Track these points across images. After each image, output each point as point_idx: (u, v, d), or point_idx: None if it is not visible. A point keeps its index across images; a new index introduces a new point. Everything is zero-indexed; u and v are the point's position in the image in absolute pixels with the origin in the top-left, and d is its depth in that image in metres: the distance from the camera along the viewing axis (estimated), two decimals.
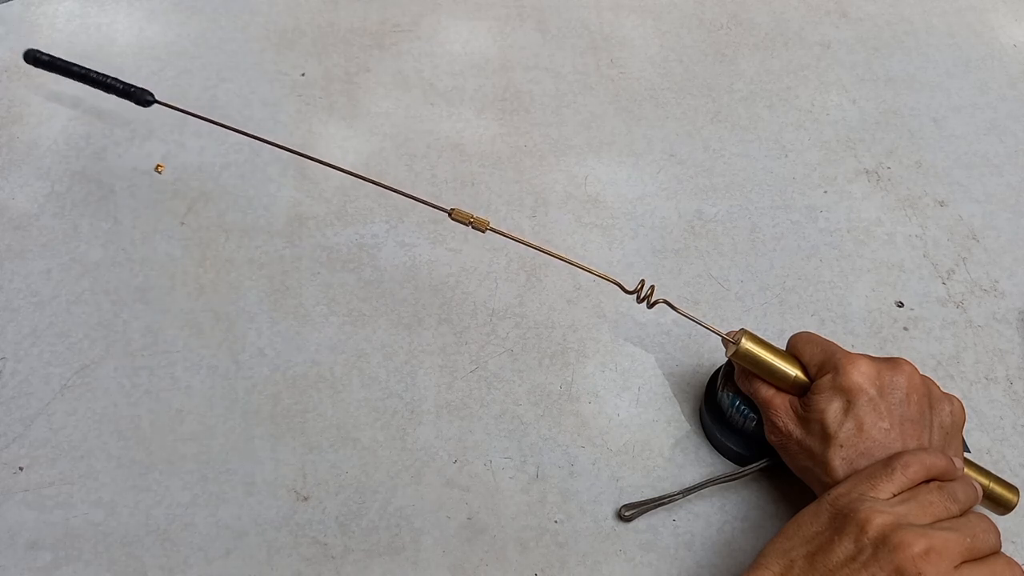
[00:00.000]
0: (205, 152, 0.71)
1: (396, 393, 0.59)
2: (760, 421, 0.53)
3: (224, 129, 0.58)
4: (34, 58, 0.61)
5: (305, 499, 0.55)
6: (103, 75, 0.59)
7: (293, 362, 0.60)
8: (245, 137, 0.58)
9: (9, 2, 0.81)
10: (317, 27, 0.81)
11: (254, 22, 0.81)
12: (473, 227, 0.54)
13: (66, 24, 0.79)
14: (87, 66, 0.59)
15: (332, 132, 0.73)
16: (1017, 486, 0.54)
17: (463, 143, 0.73)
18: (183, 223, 0.67)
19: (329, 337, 0.62)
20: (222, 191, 0.69)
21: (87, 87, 0.60)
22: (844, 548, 0.42)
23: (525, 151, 0.73)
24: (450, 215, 0.54)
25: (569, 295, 0.65)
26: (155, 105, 0.61)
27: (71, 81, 0.61)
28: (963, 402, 0.51)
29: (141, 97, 0.59)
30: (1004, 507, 0.53)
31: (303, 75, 0.77)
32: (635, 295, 0.54)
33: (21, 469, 0.55)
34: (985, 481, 0.52)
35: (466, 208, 0.54)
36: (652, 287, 0.54)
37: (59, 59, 0.60)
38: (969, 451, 0.53)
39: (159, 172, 0.68)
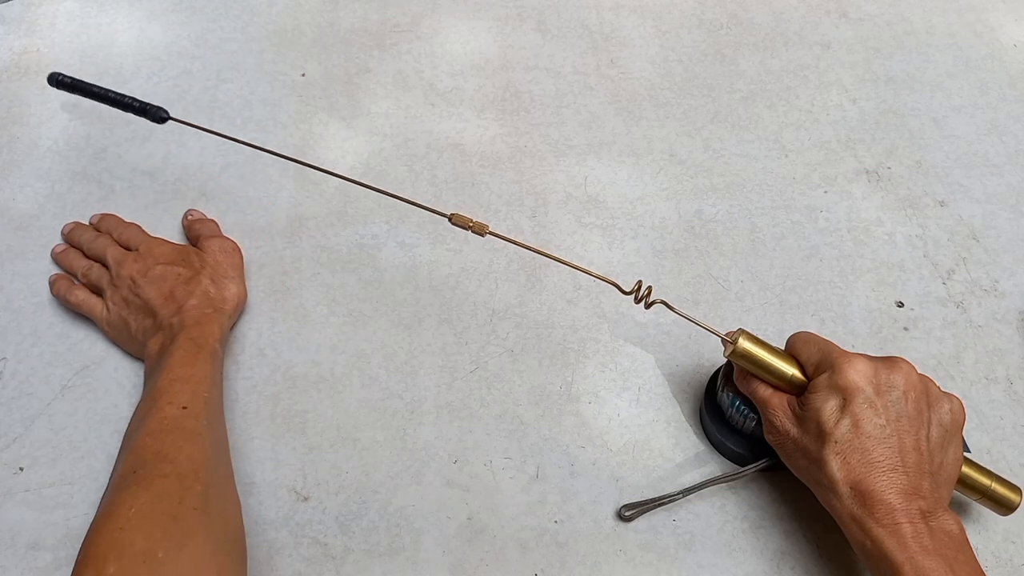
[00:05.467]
0: (205, 152, 0.71)
1: (396, 393, 0.59)
2: (760, 421, 0.53)
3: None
4: (57, 81, 0.63)
5: (305, 499, 0.55)
6: (121, 95, 0.61)
7: (293, 362, 0.60)
8: (245, 137, 0.58)
9: (9, 2, 0.81)
10: (317, 27, 0.81)
11: (254, 22, 0.81)
12: (473, 231, 0.53)
13: (66, 24, 0.80)
14: (104, 86, 0.62)
15: (332, 132, 0.73)
16: (1018, 486, 0.53)
17: (463, 143, 0.73)
18: (184, 224, 0.67)
19: (329, 337, 0.62)
20: (222, 191, 0.69)
21: (84, 71, 0.61)
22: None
23: (525, 151, 0.73)
24: (450, 220, 0.54)
25: (569, 295, 0.65)
26: (153, 104, 0.61)
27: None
28: (963, 402, 0.51)
29: (156, 114, 0.61)
30: (1007, 507, 0.53)
31: (303, 75, 0.77)
32: (633, 296, 0.54)
33: (22, 469, 0.55)
34: (987, 481, 0.52)
35: (466, 208, 0.54)
36: (649, 288, 0.54)
37: (80, 81, 0.62)
38: (969, 451, 0.53)
39: None
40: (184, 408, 0.50)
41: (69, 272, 0.64)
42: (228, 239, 0.65)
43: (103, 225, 0.65)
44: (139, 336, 0.58)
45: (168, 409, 0.50)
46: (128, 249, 0.63)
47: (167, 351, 0.54)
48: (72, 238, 0.65)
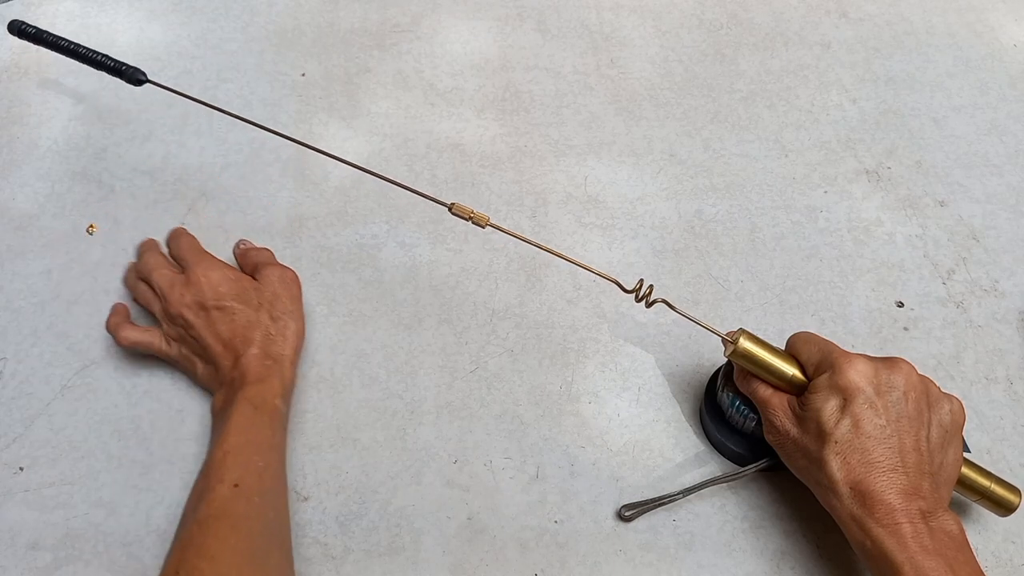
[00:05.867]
0: (205, 152, 0.71)
1: (396, 393, 0.59)
2: (760, 421, 0.53)
3: (221, 114, 0.57)
4: (19, 30, 0.58)
5: (305, 499, 0.55)
6: (93, 51, 0.57)
7: None
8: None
9: (9, 2, 0.81)
10: (317, 27, 0.81)
11: (254, 22, 0.81)
12: (473, 222, 0.53)
13: (66, 24, 0.80)
14: (76, 41, 0.57)
15: (332, 132, 0.73)
16: (1018, 487, 0.53)
17: (463, 143, 0.73)
18: (183, 223, 0.67)
19: (329, 337, 0.62)
20: (222, 191, 0.69)
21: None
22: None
23: (525, 151, 0.73)
24: (450, 209, 0.53)
25: (569, 295, 0.65)
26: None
27: (71, 81, 0.61)
28: (963, 402, 0.51)
29: (133, 76, 0.57)
30: (1006, 508, 0.53)
31: (303, 75, 0.77)
32: (634, 294, 0.54)
33: (22, 469, 0.55)
34: (986, 482, 0.52)
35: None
36: (651, 287, 0.54)
37: (46, 32, 0.57)
38: (969, 451, 0.53)
39: (91, 232, 0.65)
40: (236, 486, 0.48)
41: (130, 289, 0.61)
42: (288, 268, 0.60)
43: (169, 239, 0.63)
44: (205, 381, 0.56)
45: (219, 489, 0.48)
46: (178, 265, 0.59)
47: (227, 412, 0.52)
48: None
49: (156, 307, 0.58)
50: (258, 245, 0.64)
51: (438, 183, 0.70)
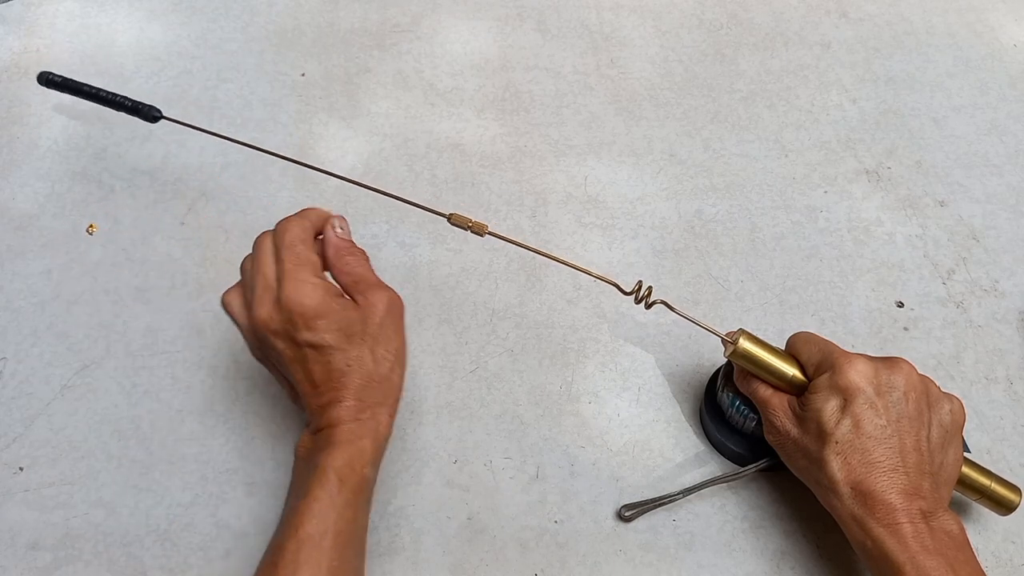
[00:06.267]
0: (205, 152, 0.71)
1: None
2: (760, 421, 0.53)
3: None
4: (47, 80, 0.63)
5: None
6: (112, 94, 0.61)
7: None
8: (245, 137, 0.58)
9: (9, 2, 0.81)
10: (317, 27, 0.81)
11: (254, 22, 0.81)
12: (472, 231, 0.53)
13: (66, 24, 0.80)
14: (96, 85, 0.61)
15: (332, 132, 0.73)
16: (1018, 486, 0.53)
17: (463, 143, 0.73)
18: (183, 223, 0.67)
19: None
20: (222, 191, 0.69)
21: (83, 72, 0.61)
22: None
23: (525, 151, 0.73)
24: (449, 220, 0.54)
25: (569, 295, 0.65)
26: (153, 104, 0.61)
27: None
28: (963, 402, 0.51)
29: (149, 114, 0.60)
30: (1006, 507, 0.53)
31: (303, 75, 0.77)
32: (633, 296, 0.54)
33: (22, 469, 0.55)
34: (987, 481, 0.52)
35: (466, 208, 0.54)
36: (650, 288, 0.54)
37: (71, 80, 0.62)
38: (969, 451, 0.53)
39: (91, 232, 0.65)
40: None
41: None
42: (394, 291, 0.49)
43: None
44: (292, 402, 0.51)
45: None
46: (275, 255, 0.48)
47: (308, 481, 0.45)
48: None
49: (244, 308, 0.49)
50: (356, 245, 0.51)
51: (438, 183, 0.70)
